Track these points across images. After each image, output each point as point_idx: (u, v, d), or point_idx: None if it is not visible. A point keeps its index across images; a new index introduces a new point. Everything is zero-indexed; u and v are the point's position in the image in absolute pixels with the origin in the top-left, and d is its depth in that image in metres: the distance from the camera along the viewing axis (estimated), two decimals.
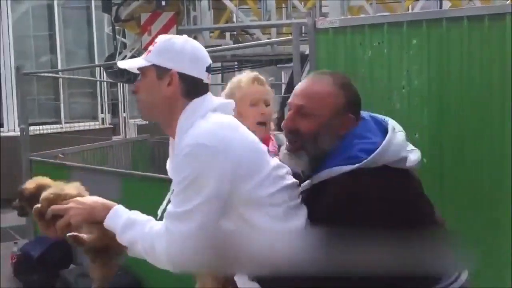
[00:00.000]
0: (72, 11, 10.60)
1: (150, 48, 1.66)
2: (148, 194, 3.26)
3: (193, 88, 1.63)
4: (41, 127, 7.07)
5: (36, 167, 4.97)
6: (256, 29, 7.23)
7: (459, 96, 2.66)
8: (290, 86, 4.82)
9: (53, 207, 1.63)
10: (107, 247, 1.63)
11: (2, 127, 8.49)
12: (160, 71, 1.62)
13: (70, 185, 1.74)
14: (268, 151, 1.68)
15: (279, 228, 1.51)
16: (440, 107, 2.71)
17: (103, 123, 10.43)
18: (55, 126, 8.88)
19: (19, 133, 5.22)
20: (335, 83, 1.62)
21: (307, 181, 1.61)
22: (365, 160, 1.49)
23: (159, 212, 1.71)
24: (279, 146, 1.96)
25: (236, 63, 8.41)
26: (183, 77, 1.61)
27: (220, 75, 10.76)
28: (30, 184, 1.73)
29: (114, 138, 9.56)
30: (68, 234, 1.58)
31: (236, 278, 1.62)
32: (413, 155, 1.61)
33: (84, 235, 1.59)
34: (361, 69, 2.86)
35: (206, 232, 1.47)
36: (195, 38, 6.82)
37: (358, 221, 1.41)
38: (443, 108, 2.70)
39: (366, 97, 2.87)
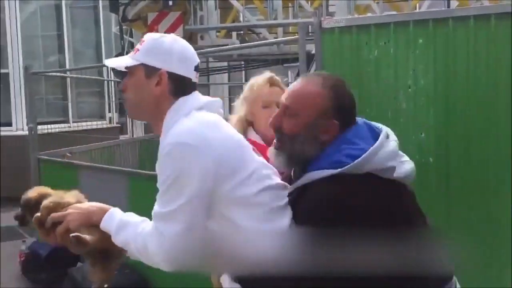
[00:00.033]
0: (80, 11, 10.64)
1: (138, 46, 1.65)
2: (155, 193, 3.26)
3: (182, 87, 1.62)
4: (49, 126, 7.08)
5: (44, 166, 5.00)
6: (263, 29, 7.23)
7: (465, 96, 2.66)
8: None
9: (53, 215, 1.65)
10: (107, 250, 1.64)
11: (11, 126, 8.55)
12: (149, 70, 1.61)
13: (70, 193, 1.75)
14: None
15: (261, 229, 1.49)
16: (446, 107, 2.70)
17: (110, 122, 10.46)
18: (63, 125, 8.92)
19: (27, 132, 5.25)
20: (324, 85, 1.57)
21: (294, 184, 1.59)
22: (347, 166, 1.46)
23: None
24: None
25: (242, 62, 8.42)
26: (172, 76, 1.61)
27: (226, 74, 10.78)
28: (32, 193, 1.75)
29: (122, 137, 9.58)
30: (71, 235, 1.59)
31: (222, 279, 1.62)
32: (405, 166, 1.54)
33: (86, 236, 1.60)
34: (367, 69, 2.86)
35: (196, 232, 1.47)
36: (201, 37, 6.87)
37: (333, 227, 1.38)
38: (449, 107, 2.70)
39: (372, 96, 2.91)
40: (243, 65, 8.81)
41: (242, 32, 7.55)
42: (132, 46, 7.55)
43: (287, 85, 2.22)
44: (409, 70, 2.77)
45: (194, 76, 1.66)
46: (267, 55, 7.22)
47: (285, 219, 1.52)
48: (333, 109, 1.55)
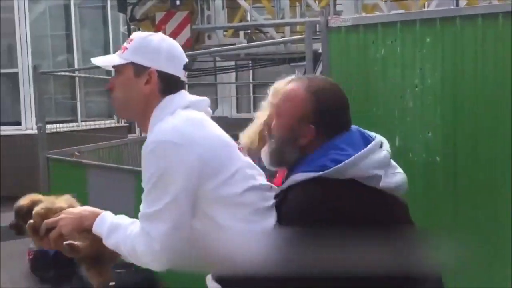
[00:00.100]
0: (88, 11, 10.70)
1: (126, 45, 1.65)
2: None
3: (171, 86, 1.62)
4: (58, 125, 7.14)
5: (52, 165, 5.04)
6: (270, 28, 7.23)
7: (473, 95, 2.65)
8: None
9: (46, 221, 1.65)
10: (100, 254, 1.65)
11: (20, 125, 8.62)
12: (138, 69, 1.61)
13: (61, 198, 1.76)
14: None
15: (246, 229, 1.48)
16: (453, 106, 2.70)
17: (118, 122, 10.50)
18: (71, 124, 8.97)
19: (36, 131, 5.29)
20: (308, 89, 1.55)
21: (280, 186, 1.59)
22: (328, 170, 1.44)
23: None
24: None
25: (249, 61, 8.42)
26: (161, 75, 1.61)
27: (234, 73, 10.78)
28: (24, 201, 1.76)
29: (130, 136, 9.63)
30: (65, 243, 1.59)
31: (207, 278, 1.62)
32: (396, 177, 1.51)
33: (78, 243, 1.61)
34: (374, 68, 2.86)
35: (183, 231, 1.47)
36: (209, 37, 6.88)
37: (312, 227, 1.38)
38: (457, 106, 2.69)
39: (379, 95, 2.90)
40: (250, 64, 8.80)
41: (249, 31, 7.55)
42: None
43: None
44: (416, 69, 2.76)
45: (182, 75, 1.66)
46: (274, 54, 7.20)
47: (271, 220, 1.52)
48: (314, 114, 1.53)
